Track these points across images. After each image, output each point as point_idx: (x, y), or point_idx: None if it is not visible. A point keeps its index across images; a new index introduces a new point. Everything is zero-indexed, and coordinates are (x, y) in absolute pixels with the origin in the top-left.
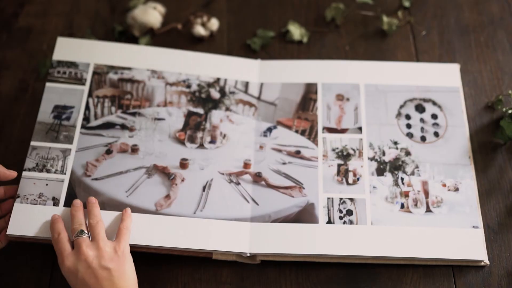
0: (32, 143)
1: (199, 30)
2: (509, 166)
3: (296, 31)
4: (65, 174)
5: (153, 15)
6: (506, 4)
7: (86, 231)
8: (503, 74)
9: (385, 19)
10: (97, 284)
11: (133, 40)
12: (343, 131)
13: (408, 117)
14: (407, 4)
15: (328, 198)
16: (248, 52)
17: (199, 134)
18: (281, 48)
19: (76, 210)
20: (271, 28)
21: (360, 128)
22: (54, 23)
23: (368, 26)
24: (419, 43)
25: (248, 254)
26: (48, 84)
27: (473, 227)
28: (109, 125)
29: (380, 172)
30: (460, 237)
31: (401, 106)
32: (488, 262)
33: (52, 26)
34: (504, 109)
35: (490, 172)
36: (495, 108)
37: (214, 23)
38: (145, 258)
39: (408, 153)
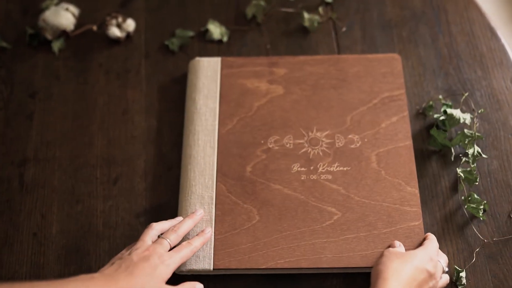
0: None
1: (114, 31)
2: (444, 174)
3: (216, 30)
4: None
5: (65, 17)
6: None
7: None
8: (424, 70)
9: (306, 15)
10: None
11: (46, 43)
12: None
13: None
14: None
15: None
16: (167, 53)
17: None
18: (200, 48)
19: None
20: (190, 28)
21: None
22: None
23: (289, 23)
24: (341, 39)
25: (212, 269)
26: None
27: None
28: None
29: None
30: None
31: None
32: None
33: None
34: (435, 116)
35: (425, 180)
36: (426, 114)
37: (130, 24)
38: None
39: None
